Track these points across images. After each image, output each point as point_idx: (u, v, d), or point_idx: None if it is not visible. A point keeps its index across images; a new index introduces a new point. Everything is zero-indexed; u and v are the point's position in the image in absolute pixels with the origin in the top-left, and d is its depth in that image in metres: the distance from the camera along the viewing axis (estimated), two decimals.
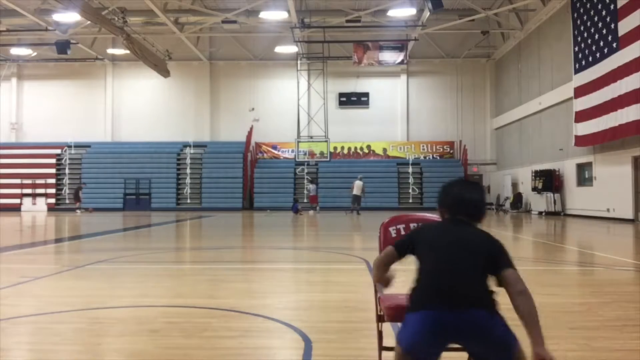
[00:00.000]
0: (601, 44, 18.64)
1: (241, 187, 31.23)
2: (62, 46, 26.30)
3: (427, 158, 32.34)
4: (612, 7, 17.94)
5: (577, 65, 20.53)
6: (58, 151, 32.38)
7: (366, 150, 32.54)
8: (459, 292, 2.10)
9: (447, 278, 2.14)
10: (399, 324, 2.35)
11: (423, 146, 32.48)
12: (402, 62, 28.05)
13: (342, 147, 32.43)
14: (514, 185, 28.61)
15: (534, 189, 24.29)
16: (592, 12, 19.39)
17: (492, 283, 2.21)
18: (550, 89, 23.99)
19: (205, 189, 31.40)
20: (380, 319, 2.92)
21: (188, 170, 31.60)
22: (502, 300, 2.18)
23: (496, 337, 2.09)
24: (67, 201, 31.23)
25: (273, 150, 32.88)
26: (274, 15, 26.18)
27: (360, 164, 31.58)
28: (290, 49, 30.34)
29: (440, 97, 32.71)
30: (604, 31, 18.44)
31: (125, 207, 30.79)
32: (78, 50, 29.62)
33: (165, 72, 28.83)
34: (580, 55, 20.31)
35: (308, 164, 31.55)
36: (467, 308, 2.07)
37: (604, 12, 18.54)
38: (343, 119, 32.11)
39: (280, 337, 4.05)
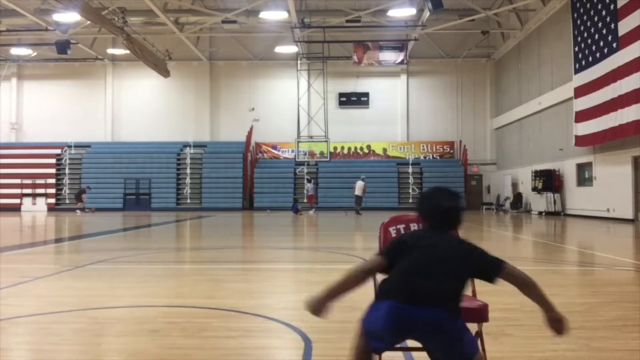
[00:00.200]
0: (601, 44, 18.63)
1: (241, 187, 31.23)
2: (62, 46, 26.29)
3: (427, 158, 32.34)
4: (612, 7, 17.94)
5: (577, 65, 20.53)
6: (58, 151, 32.38)
7: (366, 150, 32.54)
8: (426, 290, 2.19)
9: (418, 277, 2.24)
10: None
11: (423, 146, 32.47)
12: (402, 62, 28.05)
13: (342, 147, 32.43)
14: (514, 185, 28.61)
15: (534, 189, 24.29)
16: (592, 12, 19.38)
17: (465, 290, 2.34)
18: (550, 89, 23.99)
19: (205, 189, 31.41)
20: None
21: (188, 170, 31.61)
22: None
23: (455, 340, 2.18)
24: (67, 201, 31.24)
25: (273, 150, 32.88)
26: (274, 15, 26.17)
27: (360, 164, 31.58)
28: (290, 49, 30.34)
29: (440, 97, 32.71)
30: (604, 31, 18.44)
31: (125, 207, 30.79)
32: (78, 50, 29.61)
33: (165, 72, 28.84)
34: (580, 55, 20.31)
35: (308, 164, 31.55)
36: (430, 307, 2.16)
37: (604, 12, 18.53)
38: (343, 119, 32.11)
39: (280, 337, 4.06)
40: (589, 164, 20.94)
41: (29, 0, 24.53)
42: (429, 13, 23.28)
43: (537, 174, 24.13)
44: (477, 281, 3.19)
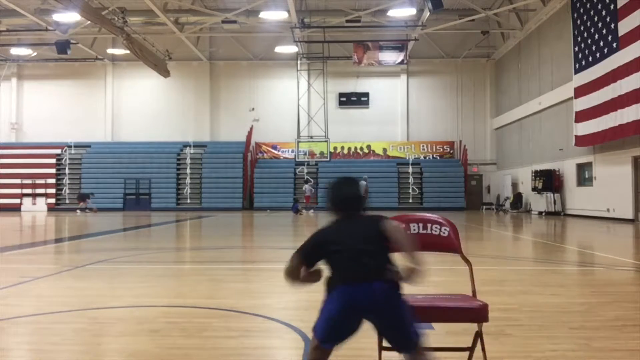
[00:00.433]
0: (601, 44, 18.63)
1: (241, 187, 31.24)
2: (62, 46, 26.29)
3: (427, 158, 32.34)
4: (612, 7, 17.94)
5: (577, 65, 20.53)
6: (58, 151, 32.39)
7: (366, 150, 32.55)
8: (364, 269, 2.39)
9: (352, 261, 2.42)
10: None
11: (423, 146, 32.47)
12: (402, 62, 28.04)
13: (342, 147, 32.43)
14: (514, 185, 28.61)
15: (534, 189, 24.29)
16: (592, 12, 19.38)
17: (393, 259, 2.48)
18: (550, 89, 23.99)
19: (205, 189, 31.41)
20: None
21: (188, 170, 31.61)
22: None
23: (400, 315, 2.37)
24: (67, 201, 31.24)
25: (273, 150, 32.88)
26: (274, 15, 26.17)
27: (360, 164, 31.59)
28: (290, 49, 30.34)
29: (440, 97, 32.72)
30: (604, 31, 18.44)
31: (125, 207, 30.80)
32: (78, 50, 29.61)
33: (165, 72, 28.84)
34: (580, 55, 20.30)
35: (308, 164, 31.55)
36: (371, 281, 2.36)
37: (604, 12, 18.53)
38: (343, 119, 32.11)
39: (280, 337, 4.06)
40: (589, 164, 20.94)
41: (29, 0, 24.53)
42: (429, 13, 23.29)
43: (537, 174, 24.13)
44: (476, 280, 3.19)
